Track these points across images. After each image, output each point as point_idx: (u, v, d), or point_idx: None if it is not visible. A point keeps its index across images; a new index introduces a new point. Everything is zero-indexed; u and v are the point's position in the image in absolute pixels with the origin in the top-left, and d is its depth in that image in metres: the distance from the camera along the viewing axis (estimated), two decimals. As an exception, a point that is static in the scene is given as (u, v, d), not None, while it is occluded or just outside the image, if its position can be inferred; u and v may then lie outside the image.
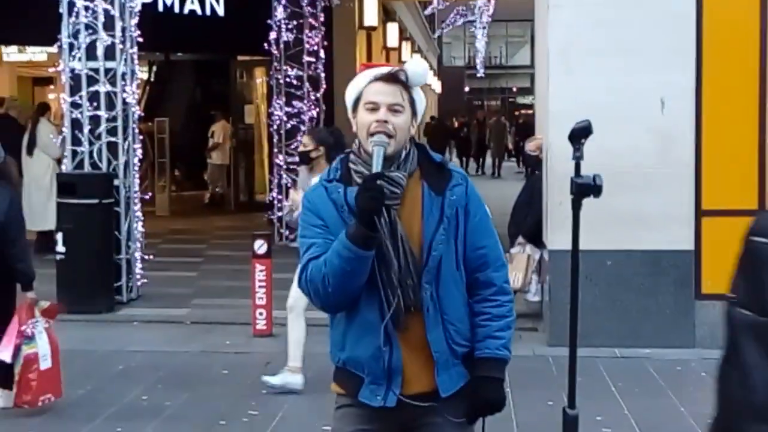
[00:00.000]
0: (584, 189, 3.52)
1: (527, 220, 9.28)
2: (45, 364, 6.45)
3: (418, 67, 3.27)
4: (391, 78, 3.21)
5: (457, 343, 3.21)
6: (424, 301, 3.15)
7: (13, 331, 6.35)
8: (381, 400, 3.17)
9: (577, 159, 3.53)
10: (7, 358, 6.28)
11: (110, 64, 9.93)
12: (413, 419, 3.23)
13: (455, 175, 3.25)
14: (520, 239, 9.27)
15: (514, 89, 64.04)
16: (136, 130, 10.38)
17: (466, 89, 54.50)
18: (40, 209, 12.48)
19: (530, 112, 40.06)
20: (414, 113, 3.24)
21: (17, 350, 6.33)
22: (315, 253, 3.15)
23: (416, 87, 3.28)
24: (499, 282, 3.27)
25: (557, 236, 8.11)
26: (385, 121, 3.15)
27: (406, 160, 3.21)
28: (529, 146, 9.54)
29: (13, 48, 24.00)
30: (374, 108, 3.17)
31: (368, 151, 3.16)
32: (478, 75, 49.40)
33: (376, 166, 3.09)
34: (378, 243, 3.07)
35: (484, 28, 42.43)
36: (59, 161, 14.64)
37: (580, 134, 3.55)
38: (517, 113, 48.65)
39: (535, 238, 9.09)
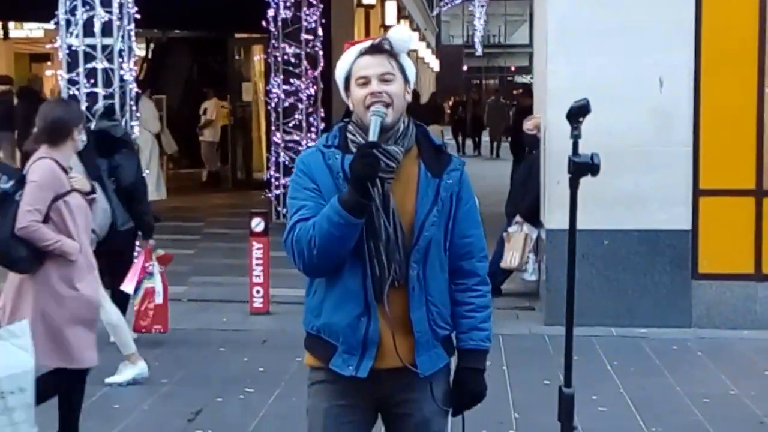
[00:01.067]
0: (582, 168, 3.50)
1: (524, 199, 9.27)
2: (158, 299, 7.62)
3: (401, 33, 3.28)
4: (376, 49, 3.22)
5: (438, 325, 3.24)
6: (410, 280, 3.16)
7: (137, 269, 7.55)
8: (353, 369, 3.17)
9: (575, 138, 3.51)
10: (130, 290, 7.47)
11: (107, 41, 9.88)
12: (390, 395, 3.24)
13: (454, 160, 3.27)
14: (518, 218, 9.27)
15: (513, 68, 63.95)
16: (134, 108, 10.35)
17: (465, 68, 54.40)
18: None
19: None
20: (406, 80, 3.26)
21: (139, 284, 7.52)
22: (304, 215, 3.14)
23: (403, 54, 3.28)
24: (482, 273, 3.33)
25: (554, 215, 8.11)
26: (380, 92, 3.16)
27: (404, 136, 3.21)
28: (527, 125, 9.53)
29: (12, 24, 23.95)
30: (366, 82, 3.19)
31: (368, 124, 3.16)
32: (477, 54, 49.39)
33: (373, 135, 3.09)
34: (369, 212, 3.06)
35: (482, 6, 42.44)
36: (158, 136, 15.34)
37: (578, 113, 3.52)
38: (514, 92, 48.59)
39: (533, 217, 9.09)
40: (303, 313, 3.30)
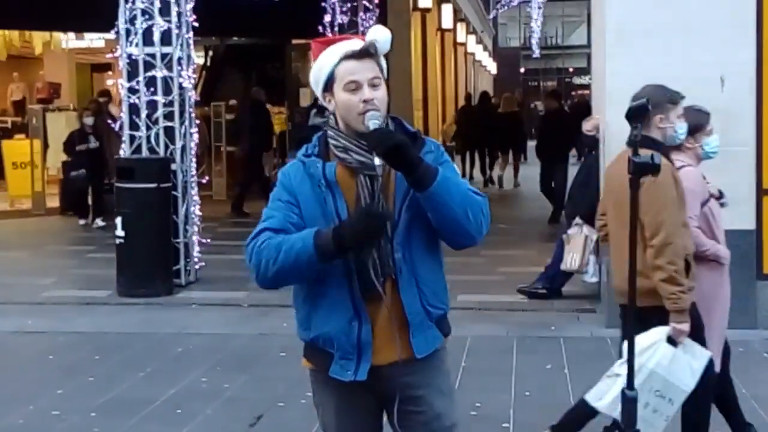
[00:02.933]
0: (642, 168, 3.47)
1: (584, 201, 9.20)
2: None
3: (384, 35, 3.25)
4: (363, 54, 3.20)
5: (432, 305, 3.24)
6: (397, 262, 3.18)
7: None
8: (351, 374, 3.22)
9: (635, 138, 3.48)
10: None
11: (166, 49, 10.00)
12: (396, 390, 3.24)
13: (428, 143, 3.27)
14: (578, 220, 9.20)
15: (571, 69, 63.55)
16: (193, 115, 10.45)
17: (522, 70, 54.20)
18: None
19: (586, 92, 39.71)
20: (386, 80, 3.27)
21: None
22: (271, 225, 3.18)
23: (382, 55, 3.27)
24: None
25: (615, 217, 8.02)
26: (372, 99, 3.16)
27: None
28: (586, 126, 9.46)
29: (72, 35, 24.28)
30: (357, 87, 3.17)
31: (356, 130, 3.17)
32: (534, 56, 49.09)
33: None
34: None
35: (539, 7, 42.16)
36: None
37: (637, 113, 3.50)
38: (573, 93, 48.25)
39: (593, 219, 9.01)
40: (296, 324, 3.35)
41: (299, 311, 3.32)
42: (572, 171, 14.39)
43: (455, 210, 3.11)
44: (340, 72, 3.20)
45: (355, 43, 3.24)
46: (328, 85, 3.23)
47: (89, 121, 14.65)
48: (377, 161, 3.09)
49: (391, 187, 3.21)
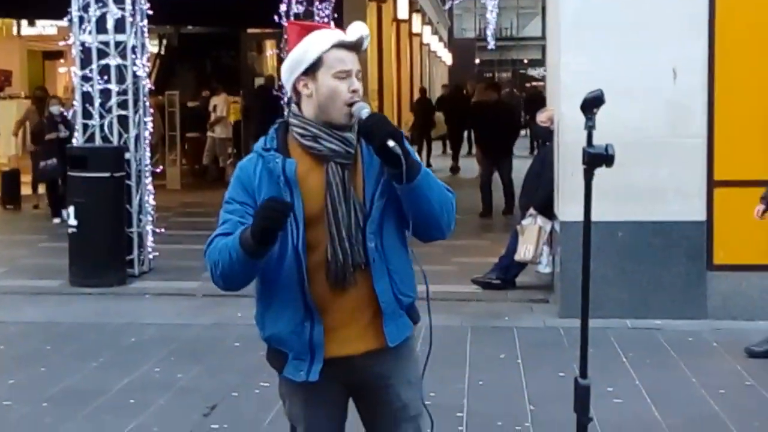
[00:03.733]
0: (596, 159, 3.49)
1: (538, 192, 9.26)
2: None
3: (366, 32, 3.23)
4: (355, 47, 3.20)
5: (402, 293, 3.24)
6: (369, 252, 3.17)
7: None
8: (304, 375, 3.21)
9: (590, 128, 3.50)
10: None
11: (120, 38, 9.92)
12: (363, 380, 3.27)
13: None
14: (531, 211, 9.26)
15: (525, 61, 63.81)
16: (147, 104, 10.38)
17: (477, 61, 54.30)
18: None
19: (540, 84, 39.87)
20: None
21: None
22: (224, 230, 3.14)
23: None
24: None
25: (568, 207, 8.10)
26: (358, 90, 3.17)
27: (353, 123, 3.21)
28: (541, 117, 9.52)
29: (23, 21, 24.00)
30: (345, 76, 3.16)
31: (332, 119, 3.13)
32: (489, 47, 49.22)
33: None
34: (272, 249, 3.05)
35: (494, -1, 42.29)
36: None
37: (592, 104, 3.52)
38: (527, 85, 48.45)
39: (546, 210, 9.08)
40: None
41: (256, 310, 3.31)
42: (519, 163, 14.53)
43: (433, 205, 3.13)
44: (330, 58, 3.15)
45: (343, 33, 3.20)
46: (311, 70, 3.16)
47: (56, 109, 14.13)
48: (364, 113, 3.07)
49: (360, 176, 3.19)
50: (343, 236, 3.14)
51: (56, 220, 13.80)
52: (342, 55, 3.16)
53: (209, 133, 19.66)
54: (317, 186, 3.15)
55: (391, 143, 3.02)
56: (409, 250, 3.23)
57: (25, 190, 15.96)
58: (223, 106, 19.54)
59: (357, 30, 3.21)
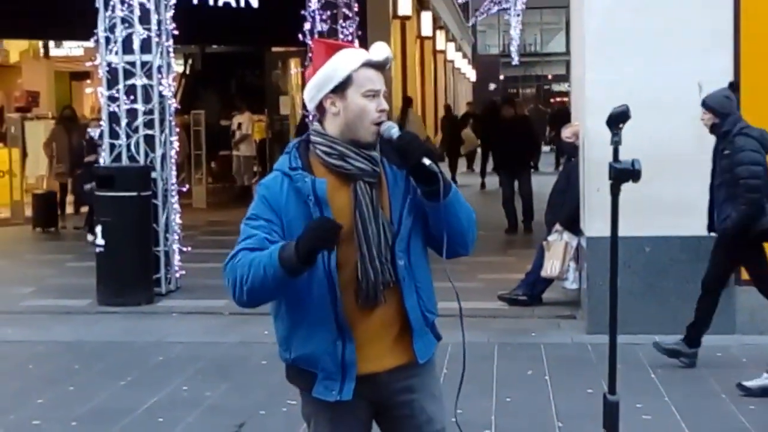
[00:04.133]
0: (623, 174, 3.49)
1: (564, 208, 9.23)
2: None
3: (389, 53, 3.24)
4: (382, 67, 3.21)
5: (428, 310, 3.26)
6: (399, 270, 3.18)
7: None
8: (336, 394, 3.18)
9: (616, 144, 3.51)
10: None
11: (146, 57, 9.99)
12: (389, 396, 3.26)
13: None
14: (557, 227, 9.23)
15: (550, 77, 63.77)
16: (173, 123, 10.44)
17: (501, 77, 54.34)
18: None
19: (564, 99, 39.80)
20: None
21: None
22: (249, 245, 3.10)
23: None
24: None
25: (594, 223, 8.07)
26: (386, 109, 3.18)
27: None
28: (566, 133, 9.50)
29: (51, 43, 24.19)
30: (375, 96, 3.17)
31: (358, 138, 3.14)
32: (513, 63, 49.26)
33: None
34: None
35: (518, 15, 42.37)
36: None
37: (618, 119, 3.52)
38: (552, 101, 48.41)
39: (572, 226, 9.05)
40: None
41: (278, 331, 3.26)
42: (545, 179, 14.47)
43: (462, 221, 3.17)
44: (360, 77, 3.16)
45: (371, 53, 3.21)
46: (340, 88, 3.16)
47: (95, 132, 13.55)
48: (395, 132, 3.08)
49: (385, 194, 3.20)
50: (374, 255, 3.14)
51: (90, 237, 13.33)
52: (371, 74, 3.18)
53: (234, 152, 19.75)
54: (344, 205, 3.15)
55: (426, 161, 3.04)
56: (446, 268, 3.21)
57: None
58: (248, 124, 19.61)
59: (383, 50, 3.22)
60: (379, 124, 3.15)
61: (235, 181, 19.91)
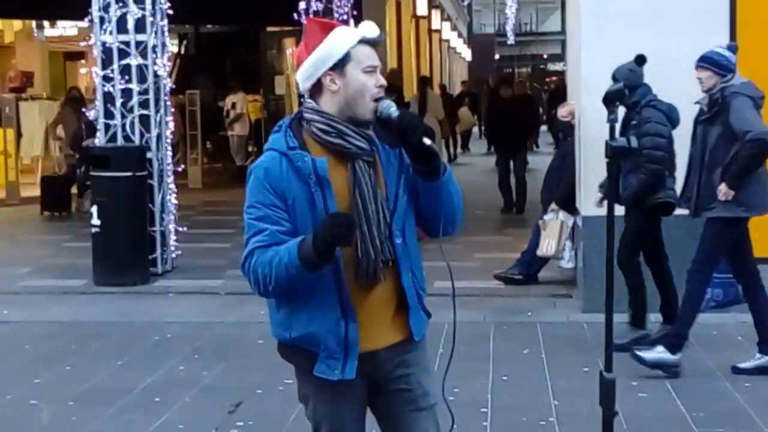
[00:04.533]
0: (619, 152, 3.50)
1: (560, 187, 9.24)
2: None
3: (378, 30, 3.26)
4: (375, 44, 3.22)
5: (421, 287, 3.30)
6: (397, 248, 3.20)
7: None
8: (339, 373, 3.18)
9: (612, 122, 3.51)
10: None
11: (141, 37, 9.95)
12: (386, 372, 3.28)
13: None
14: (553, 206, 9.24)
15: (545, 56, 63.62)
16: (168, 103, 10.41)
17: (497, 57, 54.18)
18: None
19: (553, 78, 39.65)
20: None
21: None
22: (263, 242, 3.11)
23: None
24: None
25: (591, 202, 8.06)
26: (384, 85, 3.20)
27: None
28: (562, 112, 9.49)
29: (44, 23, 24.09)
30: (373, 71, 3.18)
31: (357, 115, 3.14)
32: (509, 42, 49.08)
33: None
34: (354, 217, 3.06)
35: (513, -6, 42.16)
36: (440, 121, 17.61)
37: (614, 97, 3.54)
38: (547, 80, 48.32)
39: (568, 205, 9.06)
40: (270, 323, 3.31)
41: (279, 311, 3.24)
42: (542, 159, 14.43)
43: (454, 200, 3.21)
44: (358, 53, 3.16)
45: (365, 31, 3.21)
46: (339, 65, 3.15)
47: (94, 114, 12.68)
48: (393, 110, 3.09)
49: (380, 172, 3.21)
50: (374, 233, 3.15)
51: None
52: (367, 50, 3.19)
53: (228, 132, 19.72)
54: (342, 184, 3.15)
55: (427, 141, 3.06)
56: (441, 247, 3.22)
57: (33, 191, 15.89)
58: (242, 103, 19.55)
59: (374, 28, 3.24)
60: (378, 100, 3.16)
61: (233, 160, 19.90)
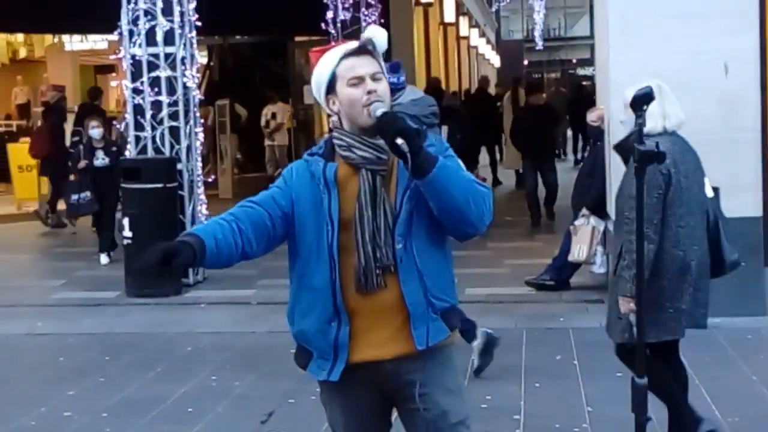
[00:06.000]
0: (647, 156, 3.48)
1: (590, 192, 9.20)
2: None
3: (380, 33, 3.30)
4: (362, 50, 3.26)
5: (435, 296, 3.23)
6: (397, 253, 3.19)
7: None
8: (326, 374, 3.25)
9: (639, 126, 3.49)
10: None
11: (170, 49, 10.01)
12: (398, 388, 3.27)
13: (429, 136, 3.24)
14: (584, 211, 9.20)
15: (574, 61, 63.42)
16: (197, 114, 10.46)
17: (525, 62, 54.06)
18: None
19: (585, 83, 39.50)
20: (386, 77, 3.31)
21: None
22: (254, 198, 3.32)
23: (379, 54, 3.31)
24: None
25: (621, 207, 8.02)
26: (375, 90, 3.20)
27: None
28: (591, 117, 9.46)
29: (76, 37, 24.28)
30: (359, 82, 3.22)
31: (361, 125, 3.21)
32: (537, 48, 49.03)
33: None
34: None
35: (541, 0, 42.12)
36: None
37: (641, 101, 3.51)
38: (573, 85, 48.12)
39: (599, 209, 9.01)
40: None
41: (288, 304, 3.38)
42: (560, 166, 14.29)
43: (456, 197, 3.11)
44: (341, 70, 3.25)
45: (351, 44, 3.29)
46: (331, 87, 3.27)
47: (96, 133, 11.82)
48: (379, 111, 3.14)
49: (394, 181, 3.24)
50: (367, 240, 3.18)
51: (104, 260, 11.76)
52: (351, 62, 3.24)
53: (267, 142, 19.76)
54: (353, 192, 3.22)
55: (399, 141, 3.06)
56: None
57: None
58: (283, 113, 19.56)
59: (365, 34, 3.29)
60: (369, 105, 3.19)
61: (265, 171, 19.99)
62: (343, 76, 3.23)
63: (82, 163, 11.72)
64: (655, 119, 4.92)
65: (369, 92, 3.20)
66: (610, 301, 5.21)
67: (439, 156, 3.13)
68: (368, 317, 3.20)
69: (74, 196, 11.87)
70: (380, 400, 3.32)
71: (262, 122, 19.73)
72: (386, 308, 3.21)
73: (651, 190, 4.61)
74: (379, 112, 3.15)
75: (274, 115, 19.59)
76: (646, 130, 5.09)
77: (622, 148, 5.14)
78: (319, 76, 3.29)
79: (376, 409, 3.34)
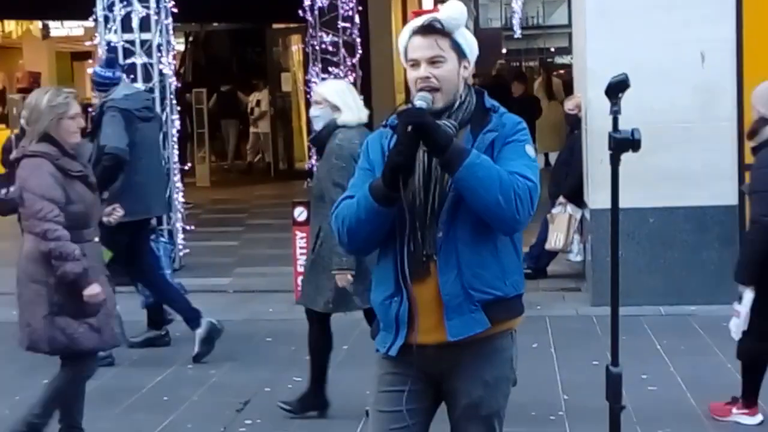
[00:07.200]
0: (623, 144, 3.47)
1: (567, 180, 9.21)
2: None
3: (452, 11, 3.24)
4: (427, 30, 3.21)
5: (475, 288, 3.18)
6: (437, 242, 3.16)
7: None
8: (386, 347, 3.26)
9: (615, 113, 3.47)
10: None
11: (146, 36, 9.95)
12: (441, 372, 3.27)
13: (494, 120, 3.22)
14: (561, 199, 9.21)
15: (552, 49, 63.47)
16: (174, 102, 10.40)
17: (504, 51, 54.05)
18: None
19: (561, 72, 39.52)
20: (463, 56, 3.25)
21: None
22: (350, 193, 3.23)
23: (458, 30, 3.25)
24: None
25: (598, 195, 8.05)
26: (427, 77, 3.16)
27: (459, 110, 3.21)
28: (568, 105, 9.46)
29: (51, 23, 24.11)
30: (415, 64, 3.21)
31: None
32: (516, 36, 48.95)
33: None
34: (399, 202, 3.09)
35: (520, -13, 42.03)
36: None
37: (617, 88, 3.49)
38: (555, 73, 48.16)
39: (576, 198, 9.03)
40: None
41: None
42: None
43: (483, 196, 3.04)
44: (408, 49, 3.25)
45: (423, 19, 3.25)
46: (406, 60, 3.28)
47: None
48: (418, 104, 3.13)
49: None
50: (416, 226, 3.15)
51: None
52: (416, 42, 3.23)
53: (252, 129, 19.76)
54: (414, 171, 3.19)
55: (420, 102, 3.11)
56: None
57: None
58: (267, 101, 19.51)
59: (442, 10, 3.25)
60: (420, 92, 3.17)
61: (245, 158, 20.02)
62: (407, 56, 3.24)
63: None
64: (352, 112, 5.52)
65: (420, 78, 3.18)
66: (310, 276, 5.65)
67: (470, 152, 3.06)
68: (420, 301, 3.18)
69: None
70: (423, 381, 3.28)
71: (248, 109, 19.77)
72: (431, 295, 3.18)
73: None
74: (417, 103, 3.12)
75: (258, 103, 19.56)
76: (340, 121, 5.50)
77: (316, 140, 5.61)
78: (400, 46, 3.29)
79: (419, 392, 3.28)
